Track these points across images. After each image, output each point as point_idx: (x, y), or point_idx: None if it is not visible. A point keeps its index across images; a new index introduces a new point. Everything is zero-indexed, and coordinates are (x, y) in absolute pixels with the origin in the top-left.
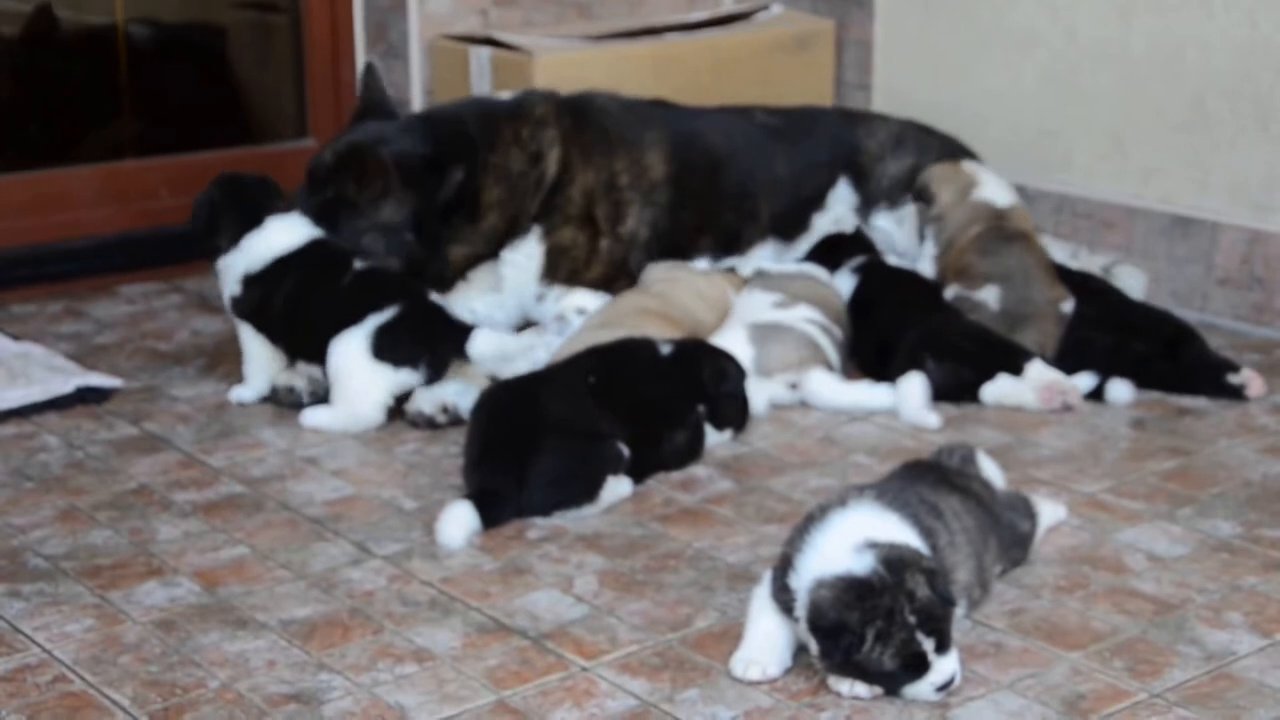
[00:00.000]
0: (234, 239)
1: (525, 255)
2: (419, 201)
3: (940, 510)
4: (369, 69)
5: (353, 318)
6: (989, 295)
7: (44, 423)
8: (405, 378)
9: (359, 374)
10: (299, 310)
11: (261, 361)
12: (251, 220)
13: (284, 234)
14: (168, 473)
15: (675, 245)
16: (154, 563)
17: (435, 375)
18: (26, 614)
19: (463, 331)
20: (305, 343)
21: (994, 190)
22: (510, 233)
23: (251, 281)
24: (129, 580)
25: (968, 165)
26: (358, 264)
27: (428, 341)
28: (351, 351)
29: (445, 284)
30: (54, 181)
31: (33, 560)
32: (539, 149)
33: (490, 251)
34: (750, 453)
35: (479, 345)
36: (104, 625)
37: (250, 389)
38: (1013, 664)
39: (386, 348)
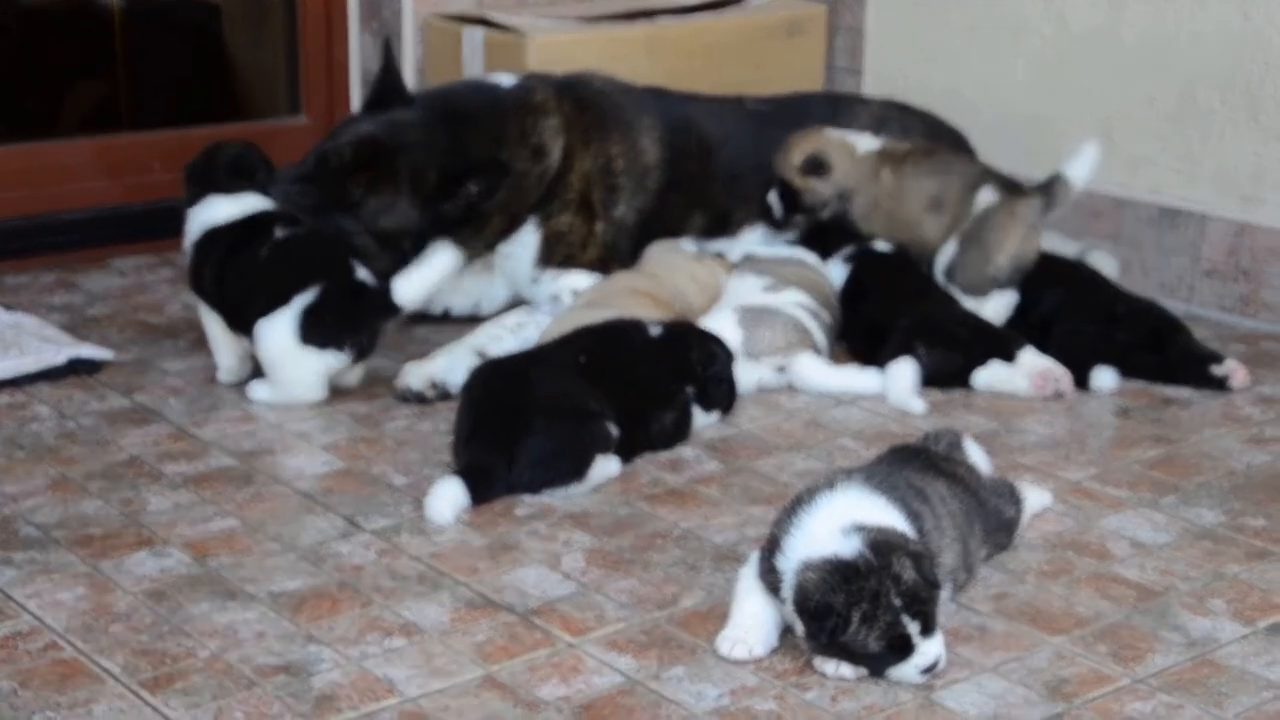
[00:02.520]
0: (185, 210)
1: (521, 245)
2: (425, 213)
3: (927, 494)
4: (386, 46)
5: (274, 294)
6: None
7: (36, 393)
8: (332, 359)
9: (289, 359)
10: (223, 282)
11: (220, 340)
12: (196, 196)
13: (222, 207)
14: (159, 444)
15: (667, 229)
16: (145, 533)
17: (364, 352)
18: (18, 581)
19: (385, 297)
20: (233, 315)
21: (866, 140)
22: (509, 230)
23: (192, 252)
24: (120, 550)
25: (829, 131)
26: (278, 232)
27: (353, 321)
28: (279, 338)
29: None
30: (47, 154)
31: (24, 528)
32: (542, 143)
33: (487, 249)
34: (737, 434)
35: (405, 294)
36: (95, 594)
37: (222, 371)
38: (997, 647)
39: (313, 332)
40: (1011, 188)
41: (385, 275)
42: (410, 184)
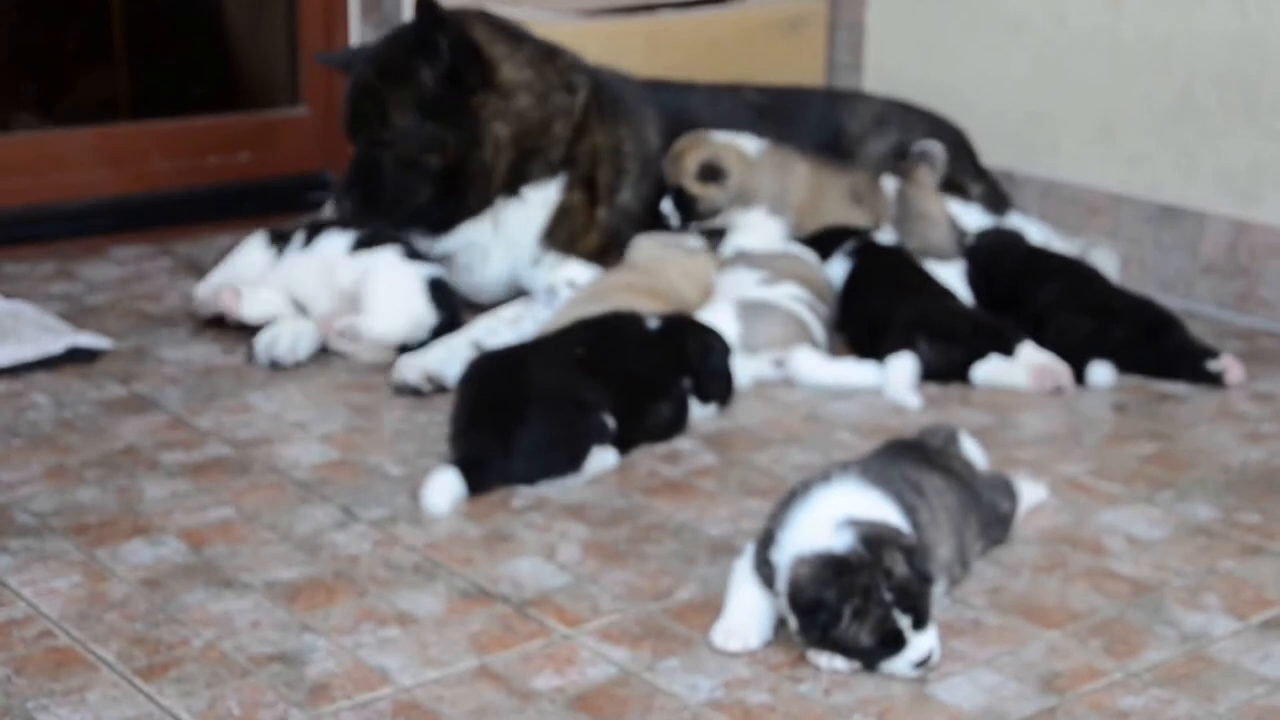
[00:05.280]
0: None
1: (540, 203)
2: (417, 90)
3: (922, 488)
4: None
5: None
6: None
7: (34, 381)
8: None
9: (404, 299)
10: None
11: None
12: None
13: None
14: (156, 433)
15: (663, 220)
16: (141, 521)
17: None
18: (13, 569)
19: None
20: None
21: (752, 142)
22: (526, 165)
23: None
24: (116, 538)
25: (716, 135)
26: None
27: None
28: (405, 276)
29: (489, 181)
30: (47, 143)
31: (20, 516)
32: (571, 81)
33: (507, 189)
34: (734, 427)
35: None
36: (90, 582)
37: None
38: (991, 641)
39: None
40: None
41: (440, 200)
42: (380, 79)
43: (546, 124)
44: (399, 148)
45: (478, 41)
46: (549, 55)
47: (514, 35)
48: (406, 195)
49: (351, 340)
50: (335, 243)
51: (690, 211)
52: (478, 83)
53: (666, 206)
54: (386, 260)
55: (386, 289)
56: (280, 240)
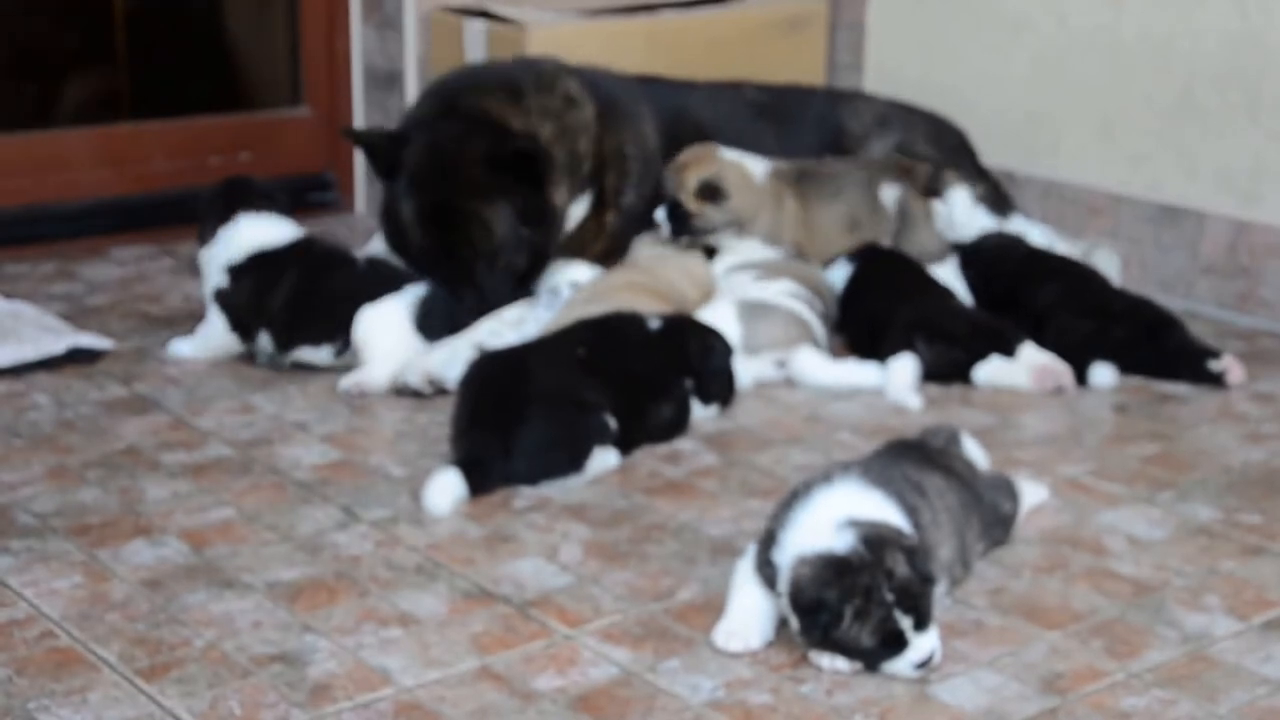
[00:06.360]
0: (212, 232)
1: (573, 219)
2: (509, 202)
3: (924, 488)
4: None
5: (380, 294)
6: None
7: (35, 381)
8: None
9: (395, 339)
10: (307, 300)
11: (217, 340)
12: (226, 214)
13: (260, 228)
14: (157, 434)
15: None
16: (142, 522)
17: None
18: (15, 569)
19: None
20: (312, 329)
21: (759, 164)
22: (576, 166)
23: (238, 273)
24: (117, 539)
25: (724, 152)
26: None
27: (455, 323)
28: (388, 317)
29: (560, 233)
30: (48, 143)
31: (21, 517)
32: (570, 95)
33: (576, 179)
34: (735, 428)
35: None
36: (92, 582)
37: (190, 346)
38: (992, 642)
39: (424, 320)
40: (902, 169)
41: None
42: (510, 204)
43: (574, 147)
44: (499, 259)
45: (504, 119)
46: (539, 78)
47: (513, 88)
48: (502, 293)
49: (361, 394)
50: (319, 357)
51: (684, 226)
52: (546, 170)
53: (660, 215)
54: (369, 314)
55: (376, 337)
56: (243, 329)
